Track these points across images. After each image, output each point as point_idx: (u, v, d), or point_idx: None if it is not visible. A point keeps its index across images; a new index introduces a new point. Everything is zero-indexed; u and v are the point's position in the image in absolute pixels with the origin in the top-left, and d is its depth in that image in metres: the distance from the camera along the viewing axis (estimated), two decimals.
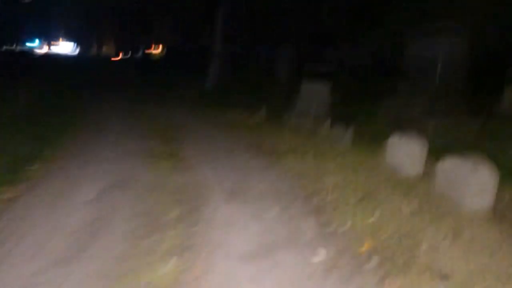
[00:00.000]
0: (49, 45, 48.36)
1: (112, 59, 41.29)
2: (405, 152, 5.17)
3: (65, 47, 47.96)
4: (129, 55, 42.60)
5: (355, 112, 10.24)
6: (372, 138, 7.17)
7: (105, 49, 45.63)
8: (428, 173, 4.99)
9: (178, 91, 16.30)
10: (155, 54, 42.47)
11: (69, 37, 47.49)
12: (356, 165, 5.44)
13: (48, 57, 39.36)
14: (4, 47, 42.11)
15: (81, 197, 4.23)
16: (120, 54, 44.89)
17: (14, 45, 46.06)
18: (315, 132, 7.74)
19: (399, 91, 9.76)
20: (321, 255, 3.17)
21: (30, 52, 41.60)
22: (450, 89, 8.99)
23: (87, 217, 3.75)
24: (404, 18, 15.14)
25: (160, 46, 44.46)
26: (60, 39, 50.48)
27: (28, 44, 47.49)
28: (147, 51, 43.64)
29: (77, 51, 47.40)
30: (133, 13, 34.05)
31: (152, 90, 16.56)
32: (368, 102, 12.16)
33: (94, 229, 3.51)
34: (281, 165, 5.67)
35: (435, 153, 5.24)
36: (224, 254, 3.17)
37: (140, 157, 5.87)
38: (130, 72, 25.43)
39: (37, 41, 47.36)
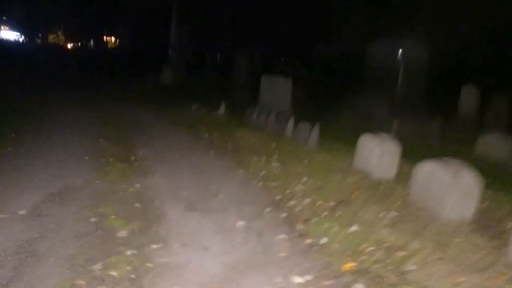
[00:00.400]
0: None
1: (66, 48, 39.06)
2: (377, 153, 4.83)
3: (9, 35, 44.41)
4: (79, 45, 40.32)
5: (319, 110, 9.96)
6: (338, 138, 6.86)
7: (52, 38, 42.86)
8: (401, 175, 4.70)
9: (132, 86, 15.37)
10: (110, 47, 40.55)
11: (12, 25, 43.99)
12: (325, 167, 5.05)
13: None
14: None
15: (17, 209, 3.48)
16: (68, 45, 42.42)
17: None
18: (278, 131, 7.31)
19: (362, 92, 9.60)
20: (298, 278, 2.71)
21: None
22: (413, 93, 8.95)
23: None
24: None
25: (113, 39, 42.48)
26: (3, 26, 46.75)
27: None
28: (103, 42, 41.56)
29: (22, 39, 44.21)
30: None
31: (107, 85, 15.50)
32: (332, 101, 11.99)
33: (31, 250, 2.83)
34: (244, 168, 5.17)
35: (405, 155, 4.99)
36: (184, 280, 2.62)
37: (89, 159, 5.15)
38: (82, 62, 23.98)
39: None
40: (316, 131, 6.30)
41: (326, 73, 17.21)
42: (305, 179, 4.57)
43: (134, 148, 5.93)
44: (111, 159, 5.13)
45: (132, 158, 5.38)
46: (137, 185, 4.30)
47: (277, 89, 10.69)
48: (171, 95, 13.51)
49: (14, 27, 45.00)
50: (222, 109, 9.65)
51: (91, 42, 43.44)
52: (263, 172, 4.92)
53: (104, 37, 42.17)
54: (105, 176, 4.51)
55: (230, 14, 19.98)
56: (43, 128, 6.88)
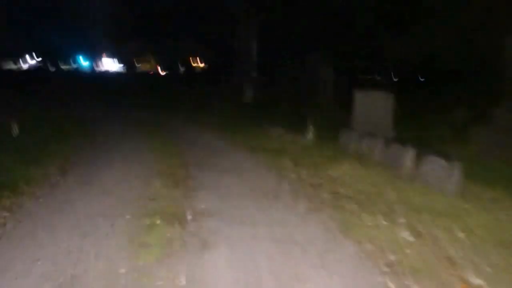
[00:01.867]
0: (98, 63, 48.34)
1: (160, 74, 40.78)
2: None
3: (111, 65, 47.72)
4: (168, 71, 41.70)
5: (434, 135, 7.61)
6: (482, 177, 4.53)
7: (142, 66, 45.03)
8: None
9: (213, 106, 14.30)
10: (198, 68, 41.40)
11: (109, 54, 47.19)
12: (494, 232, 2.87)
13: (109, 74, 39.42)
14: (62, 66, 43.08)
15: None
16: (160, 70, 44.09)
17: (71, 64, 46.78)
18: (390, 164, 5.19)
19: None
20: None
21: (92, 70, 42.80)
22: None
23: None
24: None
25: (198, 61, 43.25)
26: (104, 55, 50.38)
27: (82, 63, 47.69)
28: (192, 65, 42.58)
29: (124, 68, 47.12)
30: (164, 29, 32.68)
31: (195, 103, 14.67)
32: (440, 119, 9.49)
33: None
34: (357, 241, 3.15)
35: None
36: None
37: (129, 220, 3.62)
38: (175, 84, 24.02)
39: (82, 59, 47.21)
40: (457, 169, 4.07)
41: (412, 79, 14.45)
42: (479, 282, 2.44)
43: (195, 196, 4.29)
44: (158, 220, 3.51)
45: (189, 216, 3.70)
46: (182, 281, 2.57)
47: (376, 107, 8.56)
48: (250, 115, 12.01)
49: (111, 55, 48.15)
50: (310, 134, 7.75)
51: (180, 67, 44.64)
52: (392, 256, 2.86)
53: (191, 60, 43.09)
54: (138, 256, 2.86)
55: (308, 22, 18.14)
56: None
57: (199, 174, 5.22)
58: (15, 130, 7.05)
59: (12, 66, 40.88)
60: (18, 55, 42.01)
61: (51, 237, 3.16)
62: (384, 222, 3.31)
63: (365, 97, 8.69)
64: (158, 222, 3.49)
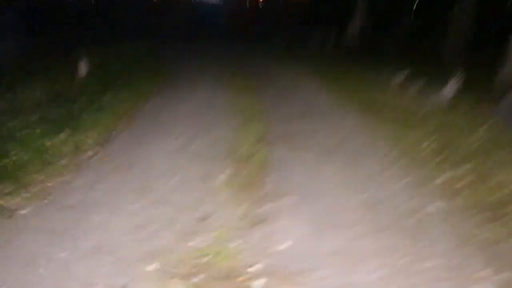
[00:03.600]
0: None
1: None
2: None
3: None
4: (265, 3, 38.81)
5: None
6: None
7: None
8: None
9: (310, 45, 11.91)
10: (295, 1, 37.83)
11: None
12: None
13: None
14: None
15: None
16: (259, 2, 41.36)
17: None
18: None
19: None
20: None
21: None
22: None
23: None
24: None
25: None
26: None
27: None
28: None
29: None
30: None
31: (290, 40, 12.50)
32: None
33: None
34: None
35: None
36: None
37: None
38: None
39: None
40: None
41: None
42: None
43: (269, 218, 2.45)
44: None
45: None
46: None
47: None
48: (359, 59, 9.45)
49: None
50: (449, 88, 5.21)
51: None
52: None
53: None
54: None
55: None
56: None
57: (285, 158, 3.34)
58: None
59: None
60: None
61: None
62: None
63: None
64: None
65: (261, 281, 1.83)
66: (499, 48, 6.61)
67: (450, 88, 5.28)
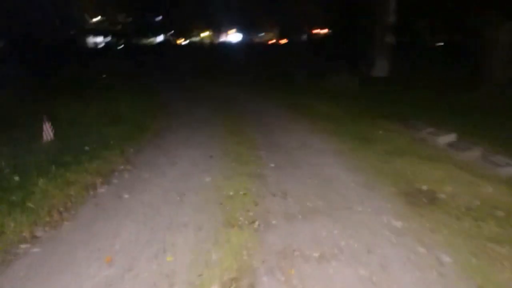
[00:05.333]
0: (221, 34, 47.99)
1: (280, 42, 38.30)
2: None
3: (232, 37, 46.68)
4: (288, 39, 38.46)
5: None
6: None
7: (265, 36, 42.38)
8: None
9: (333, 81, 10.42)
10: (318, 36, 37.13)
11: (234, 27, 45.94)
12: None
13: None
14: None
15: None
16: (285, 39, 40.94)
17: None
18: None
19: None
20: None
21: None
22: None
23: None
24: None
25: (325, 29, 38.58)
26: (234, 30, 49.45)
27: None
28: (312, 32, 38.57)
29: (241, 38, 45.79)
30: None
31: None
32: None
33: None
34: None
35: None
36: None
37: None
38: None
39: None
40: None
41: None
42: None
43: None
44: None
45: None
46: None
47: None
48: (386, 97, 7.81)
49: (239, 30, 46.76)
50: None
51: (305, 35, 40.77)
52: None
53: (313, 30, 38.76)
54: None
55: None
56: None
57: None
58: None
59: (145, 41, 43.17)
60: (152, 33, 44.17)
61: None
62: None
63: None
64: None
65: None
66: None
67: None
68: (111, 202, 3.34)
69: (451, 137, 5.15)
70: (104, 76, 13.03)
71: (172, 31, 43.83)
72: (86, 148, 4.63)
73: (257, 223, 2.82)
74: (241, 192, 3.40)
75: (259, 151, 4.81)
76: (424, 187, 3.50)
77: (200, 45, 42.92)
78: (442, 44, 16.33)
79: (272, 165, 4.24)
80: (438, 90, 8.60)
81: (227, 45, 38.90)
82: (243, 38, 43.68)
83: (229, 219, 2.88)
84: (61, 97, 8.06)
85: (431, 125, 5.74)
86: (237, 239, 2.60)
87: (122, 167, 4.24)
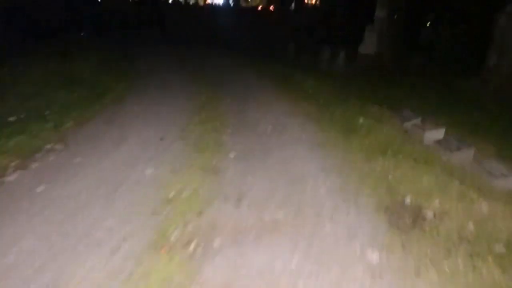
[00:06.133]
0: None
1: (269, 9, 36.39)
2: None
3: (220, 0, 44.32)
4: (277, 7, 36.62)
5: None
6: None
7: (251, 1, 40.31)
8: None
9: (318, 60, 9.59)
10: (310, 4, 35.51)
11: None
12: None
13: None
14: None
15: None
16: (272, 7, 39.01)
17: None
18: None
19: None
20: None
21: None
22: None
23: None
24: None
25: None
26: None
27: None
28: (303, 1, 36.86)
29: (232, 3, 43.44)
30: None
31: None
32: None
33: None
34: None
35: None
36: None
37: None
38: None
39: None
40: None
41: None
42: None
43: None
44: None
45: None
46: None
47: None
48: (377, 84, 7.11)
49: None
50: None
51: (292, 4, 38.94)
52: None
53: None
54: None
55: None
56: None
57: None
58: None
59: None
60: None
61: None
62: None
63: None
64: None
65: None
66: None
67: None
68: (17, 197, 2.59)
69: (440, 133, 4.54)
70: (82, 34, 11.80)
71: None
72: (11, 118, 3.78)
73: (193, 244, 2.14)
74: (184, 194, 2.69)
75: (224, 134, 4.08)
76: (408, 199, 2.88)
77: (185, 5, 40.60)
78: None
79: (234, 154, 3.54)
80: (432, 74, 7.94)
81: (214, 8, 36.83)
82: (231, 2, 41.58)
83: (159, 237, 2.19)
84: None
85: (420, 115, 5.11)
86: (161, 271, 1.92)
87: (50, 145, 3.44)
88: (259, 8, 37.04)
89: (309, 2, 38.07)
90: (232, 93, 5.99)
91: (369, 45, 10.81)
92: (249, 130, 4.25)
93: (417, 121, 4.91)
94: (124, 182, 2.87)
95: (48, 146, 3.42)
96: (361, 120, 4.89)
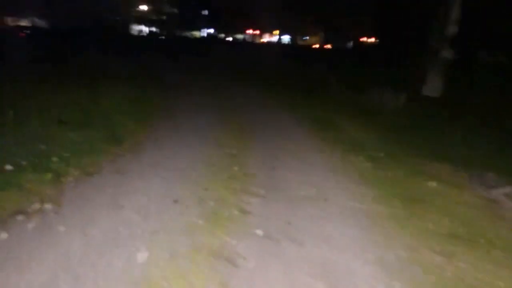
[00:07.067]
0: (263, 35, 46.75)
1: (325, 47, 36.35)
2: None
3: (275, 38, 45.26)
4: (334, 45, 36.52)
5: None
6: None
7: (308, 40, 40.45)
8: None
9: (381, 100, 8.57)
10: (366, 43, 34.91)
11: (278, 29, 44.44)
12: None
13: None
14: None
15: None
16: (329, 45, 38.85)
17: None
18: None
19: None
20: None
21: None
22: None
23: None
24: None
25: (372, 38, 36.16)
26: (277, 30, 48.11)
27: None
28: (359, 40, 36.38)
29: (289, 40, 44.15)
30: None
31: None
32: None
33: None
34: None
35: None
36: None
37: None
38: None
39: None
40: None
41: None
42: None
43: None
44: None
45: None
46: None
47: None
48: (441, 128, 5.94)
49: (283, 31, 45.22)
50: None
51: (351, 42, 38.46)
52: None
53: (360, 38, 36.50)
54: None
55: None
56: None
57: None
58: None
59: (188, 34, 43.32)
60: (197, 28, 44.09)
61: None
62: None
63: None
64: None
65: None
66: None
67: None
68: None
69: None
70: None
71: (216, 27, 43.14)
72: (8, 167, 3.24)
73: None
74: None
75: (250, 196, 3.24)
76: None
77: (244, 42, 41.84)
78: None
79: (259, 232, 2.65)
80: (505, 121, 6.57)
81: (270, 45, 37.57)
82: (287, 39, 42.10)
83: None
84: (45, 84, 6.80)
85: (508, 181, 3.90)
86: None
87: (38, 205, 2.80)
88: (315, 46, 36.93)
89: (366, 41, 37.22)
90: (267, 134, 5.18)
91: (433, 86, 9.63)
92: (282, 195, 3.36)
93: (509, 189, 3.71)
94: (103, 272, 2.09)
95: (36, 206, 2.78)
96: (433, 184, 3.81)
